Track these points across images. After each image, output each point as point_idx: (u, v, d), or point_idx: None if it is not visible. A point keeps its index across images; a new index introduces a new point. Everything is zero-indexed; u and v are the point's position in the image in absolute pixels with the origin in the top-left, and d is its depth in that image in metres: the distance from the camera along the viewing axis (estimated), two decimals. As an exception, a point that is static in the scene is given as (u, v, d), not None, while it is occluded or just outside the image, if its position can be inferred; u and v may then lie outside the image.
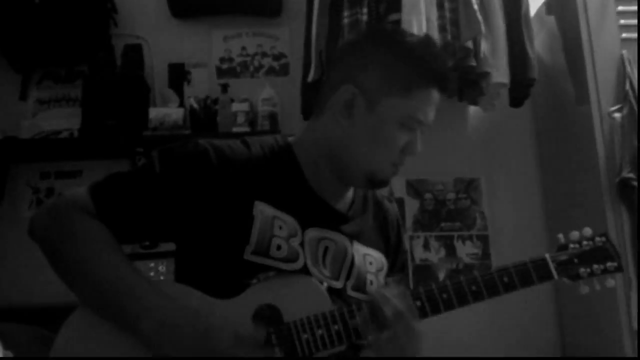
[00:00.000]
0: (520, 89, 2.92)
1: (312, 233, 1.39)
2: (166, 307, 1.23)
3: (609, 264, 1.39)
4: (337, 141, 1.39)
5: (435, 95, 1.39)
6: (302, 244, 1.36)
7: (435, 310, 1.31)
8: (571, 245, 1.41)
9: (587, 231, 1.42)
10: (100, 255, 1.28)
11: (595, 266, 1.38)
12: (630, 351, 2.55)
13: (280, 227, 1.34)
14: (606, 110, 2.75)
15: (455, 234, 3.28)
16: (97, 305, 1.29)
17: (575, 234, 1.42)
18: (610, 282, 1.39)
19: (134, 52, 3.24)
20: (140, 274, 1.29)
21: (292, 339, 1.26)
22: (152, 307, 1.22)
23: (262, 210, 1.34)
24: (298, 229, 1.37)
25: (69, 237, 1.29)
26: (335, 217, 1.44)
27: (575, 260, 1.38)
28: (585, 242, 1.41)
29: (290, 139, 1.49)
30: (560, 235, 1.42)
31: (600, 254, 1.40)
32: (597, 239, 1.41)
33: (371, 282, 1.46)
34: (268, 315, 1.27)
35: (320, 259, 1.38)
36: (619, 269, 1.39)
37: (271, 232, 1.33)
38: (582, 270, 1.38)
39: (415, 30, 2.64)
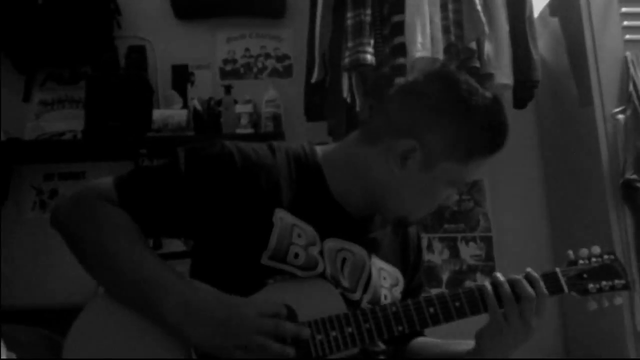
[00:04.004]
0: (524, 90, 2.91)
1: (331, 243, 1.39)
2: (188, 290, 1.24)
3: (616, 282, 1.41)
4: (382, 181, 1.39)
5: (489, 159, 1.39)
6: (321, 253, 1.37)
7: (449, 318, 1.34)
8: (580, 261, 1.43)
9: (596, 249, 1.44)
10: (122, 240, 1.29)
11: (603, 283, 1.41)
12: (633, 353, 2.55)
13: (299, 235, 1.34)
14: (609, 111, 2.76)
15: (459, 235, 3.28)
16: (118, 291, 1.29)
17: (584, 251, 1.44)
18: (618, 299, 1.42)
19: (138, 54, 3.25)
20: (161, 261, 1.30)
21: (306, 339, 1.27)
22: (174, 290, 1.23)
23: (282, 217, 1.34)
24: (317, 238, 1.37)
25: (91, 222, 1.31)
26: (355, 228, 1.44)
27: (585, 276, 1.41)
28: (594, 259, 1.43)
29: (318, 148, 1.48)
30: (570, 252, 1.45)
31: (608, 271, 1.42)
32: (606, 256, 1.44)
33: (385, 297, 1.47)
34: (283, 315, 1.28)
35: (339, 270, 1.39)
36: (627, 287, 1.42)
37: (289, 240, 1.33)
38: (590, 286, 1.40)
39: (419, 31, 2.65)
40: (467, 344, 1.44)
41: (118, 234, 1.29)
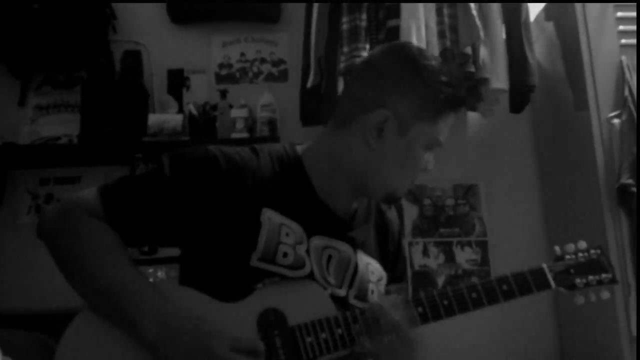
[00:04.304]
0: (520, 95, 2.92)
1: (317, 241, 1.41)
2: (169, 311, 1.25)
3: (603, 276, 1.43)
4: (363, 160, 1.41)
5: (454, 117, 1.44)
6: (307, 252, 1.38)
7: (436, 316, 1.35)
8: (567, 257, 1.44)
9: (582, 244, 1.46)
10: (104, 257, 1.30)
11: (590, 277, 1.42)
12: (629, 357, 2.55)
13: (287, 234, 1.36)
14: (605, 116, 2.75)
15: (454, 239, 3.28)
16: (100, 308, 1.30)
17: (570, 246, 1.46)
18: (605, 294, 1.43)
19: (133, 58, 3.24)
20: (144, 278, 1.31)
21: (297, 342, 1.28)
22: (154, 310, 1.24)
23: (270, 217, 1.35)
24: (304, 236, 1.39)
25: (75, 238, 1.31)
26: (339, 225, 1.46)
27: (572, 271, 1.42)
28: (580, 254, 1.45)
29: (299, 147, 1.51)
30: (557, 247, 1.46)
31: (595, 266, 1.44)
32: (592, 251, 1.46)
33: (372, 292, 1.48)
34: (272, 319, 1.29)
35: (324, 267, 1.40)
36: (614, 281, 1.43)
37: (278, 239, 1.34)
38: (578, 280, 1.42)
39: (414, 36, 2.65)
40: None
41: (99, 251, 1.30)
